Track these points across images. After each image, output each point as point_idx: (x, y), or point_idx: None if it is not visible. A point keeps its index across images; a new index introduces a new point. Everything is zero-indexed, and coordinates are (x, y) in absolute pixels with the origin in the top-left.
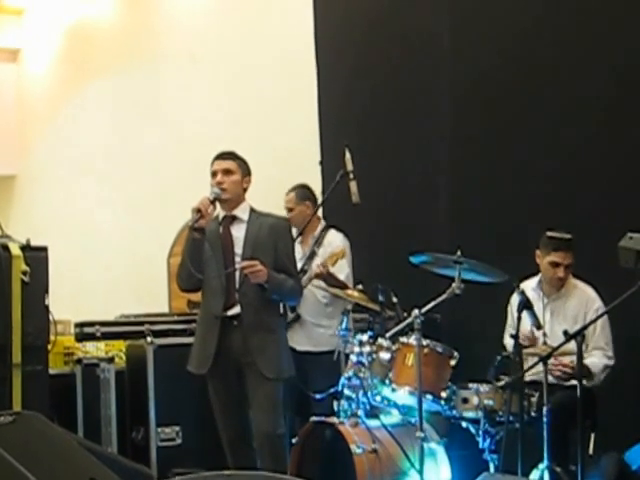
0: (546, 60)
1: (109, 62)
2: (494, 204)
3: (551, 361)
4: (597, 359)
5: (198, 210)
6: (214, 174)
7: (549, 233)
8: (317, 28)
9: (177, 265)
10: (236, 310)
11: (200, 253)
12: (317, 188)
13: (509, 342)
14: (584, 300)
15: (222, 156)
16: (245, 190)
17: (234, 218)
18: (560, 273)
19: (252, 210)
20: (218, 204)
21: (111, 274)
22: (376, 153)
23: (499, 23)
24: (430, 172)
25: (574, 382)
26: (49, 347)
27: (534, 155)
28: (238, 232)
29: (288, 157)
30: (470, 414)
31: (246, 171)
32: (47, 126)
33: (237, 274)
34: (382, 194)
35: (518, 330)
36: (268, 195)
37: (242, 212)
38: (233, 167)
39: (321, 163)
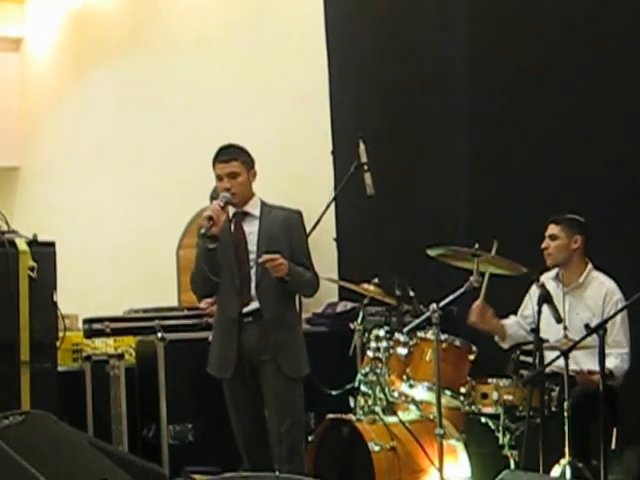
0: (563, 55)
1: (114, 50)
2: (512, 197)
3: (575, 368)
4: (619, 362)
5: (210, 218)
6: (219, 178)
7: None
8: (328, 14)
9: (187, 259)
10: (252, 307)
11: (215, 260)
12: (329, 178)
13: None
14: (603, 292)
15: (223, 159)
16: (252, 183)
17: (245, 214)
18: (544, 244)
19: (263, 204)
20: (228, 211)
21: (119, 267)
22: (390, 143)
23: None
24: (446, 163)
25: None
26: (57, 344)
27: (554, 148)
28: (250, 228)
29: (299, 147)
30: (489, 409)
31: (250, 165)
32: (51, 116)
33: (254, 271)
34: (397, 186)
35: (539, 324)
36: (279, 186)
37: (253, 207)
38: (237, 168)
39: (333, 153)
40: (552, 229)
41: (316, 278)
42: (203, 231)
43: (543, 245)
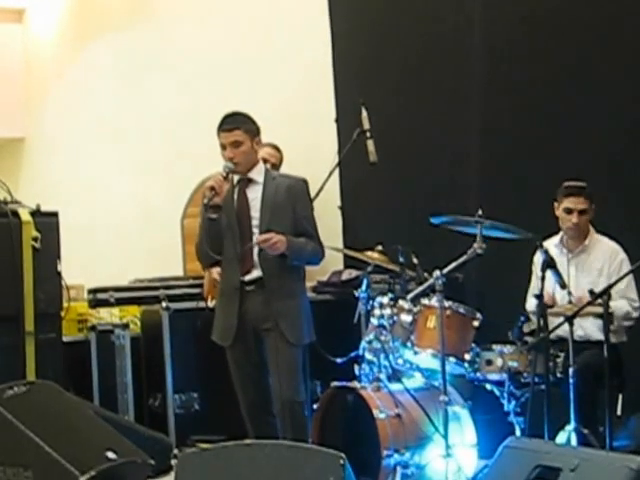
0: (578, 21)
1: (117, 19)
2: (518, 162)
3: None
4: (620, 304)
5: (212, 188)
6: (223, 147)
7: (565, 183)
8: None
9: (191, 228)
10: (254, 275)
11: (218, 231)
12: (333, 147)
13: (531, 304)
14: (607, 253)
15: (226, 128)
16: (257, 151)
17: (249, 180)
18: (574, 219)
19: (267, 171)
20: (233, 177)
21: (124, 237)
22: (394, 109)
23: None
24: (451, 130)
25: (600, 337)
26: (62, 314)
27: (564, 113)
28: (254, 194)
29: (303, 115)
30: (494, 376)
31: (254, 132)
32: (55, 87)
33: (255, 239)
34: (401, 152)
35: (542, 289)
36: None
37: (257, 174)
38: (240, 137)
39: (337, 121)
40: (582, 203)
41: (321, 247)
42: (205, 201)
43: (574, 221)
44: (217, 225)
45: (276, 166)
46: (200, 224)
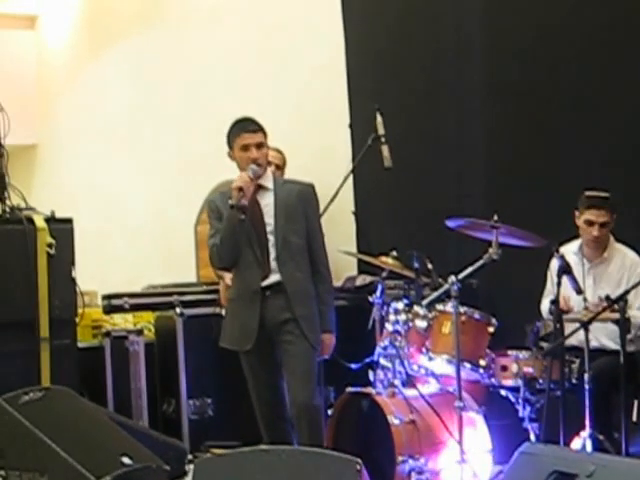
0: (587, 20)
1: (130, 25)
2: (532, 166)
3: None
4: (638, 314)
5: (240, 189)
6: (246, 148)
7: (587, 192)
8: None
9: (205, 234)
10: (272, 280)
11: (243, 233)
12: (347, 152)
13: (545, 308)
14: (627, 264)
15: (252, 129)
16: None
17: (259, 187)
18: (595, 232)
19: (275, 176)
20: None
21: (137, 243)
22: (409, 115)
23: None
24: (465, 134)
25: (616, 347)
26: (77, 320)
27: (573, 117)
28: (265, 200)
29: (317, 120)
30: (509, 382)
31: (266, 138)
32: (68, 93)
33: (272, 243)
34: (416, 158)
35: (558, 295)
36: (296, 159)
37: (267, 180)
38: (263, 139)
39: (351, 126)
40: (604, 216)
41: (329, 275)
42: (234, 202)
43: (595, 234)
44: (243, 226)
45: (280, 167)
46: (224, 226)
